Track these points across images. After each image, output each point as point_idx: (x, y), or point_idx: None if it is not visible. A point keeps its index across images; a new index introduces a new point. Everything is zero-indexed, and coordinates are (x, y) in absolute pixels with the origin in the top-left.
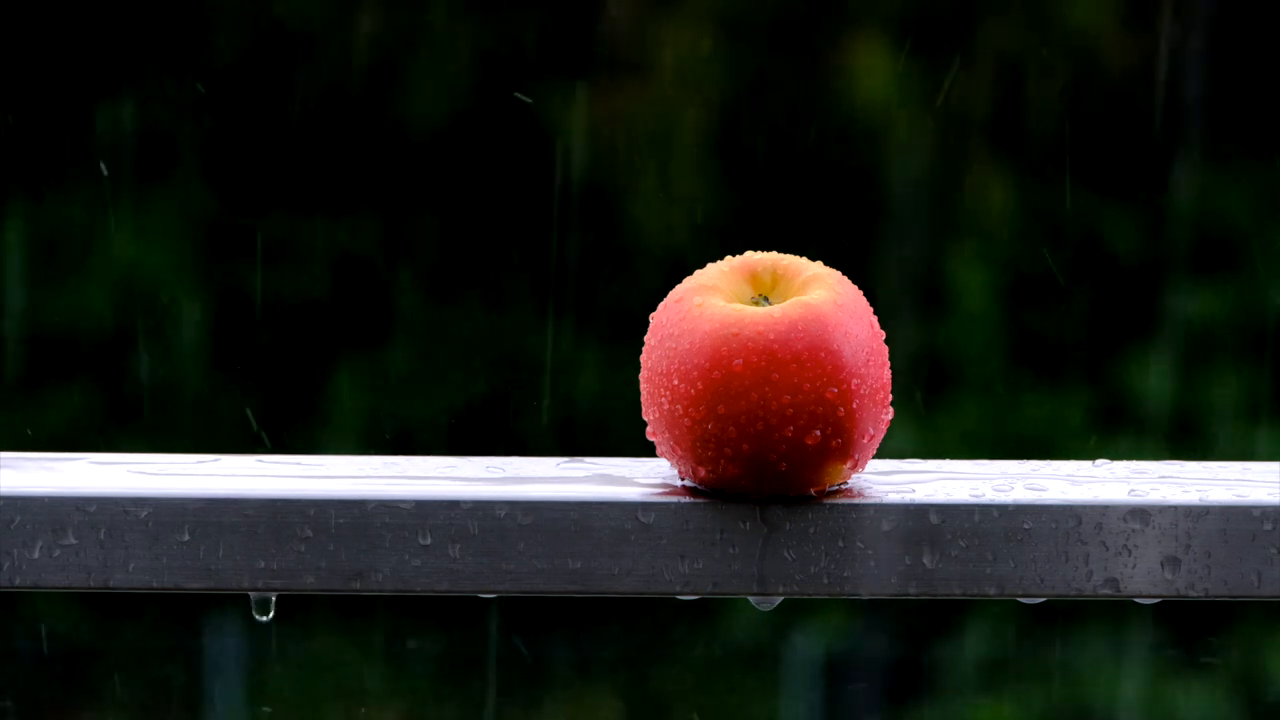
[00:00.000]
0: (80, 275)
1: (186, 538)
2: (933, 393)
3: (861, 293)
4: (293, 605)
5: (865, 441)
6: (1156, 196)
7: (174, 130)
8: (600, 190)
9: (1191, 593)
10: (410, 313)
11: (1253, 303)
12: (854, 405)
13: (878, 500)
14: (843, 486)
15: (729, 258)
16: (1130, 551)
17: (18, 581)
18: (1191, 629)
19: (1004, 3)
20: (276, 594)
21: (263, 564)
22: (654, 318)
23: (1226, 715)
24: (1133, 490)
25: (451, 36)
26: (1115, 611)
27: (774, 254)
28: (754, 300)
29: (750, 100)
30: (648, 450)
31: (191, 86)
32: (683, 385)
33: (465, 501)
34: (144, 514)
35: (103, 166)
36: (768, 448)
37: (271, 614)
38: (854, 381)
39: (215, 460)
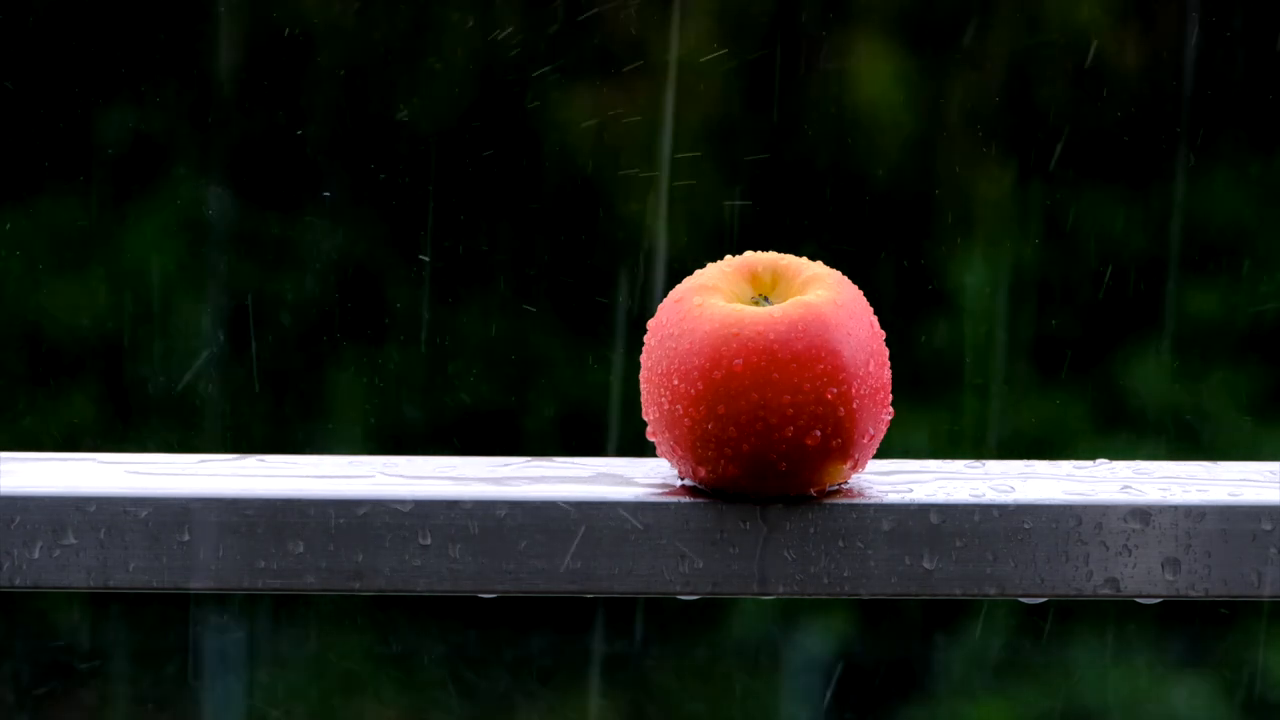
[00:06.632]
0: (81, 275)
1: (186, 538)
2: (933, 393)
3: (861, 293)
4: (293, 605)
5: (865, 441)
6: (1158, 194)
7: (175, 130)
8: (600, 190)
9: (1191, 593)
10: (410, 312)
11: (1254, 301)
12: (854, 405)
13: (878, 500)
14: (843, 486)
15: (729, 258)
16: (1130, 551)
17: (18, 581)
18: (1191, 629)
19: (1004, 1)
20: (276, 594)
21: (263, 564)
22: (654, 318)
23: (1226, 715)
24: (1133, 490)
25: (451, 36)
26: (1115, 611)
27: (774, 254)
28: (754, 300)
29: (750, 100)
30: (648, 450)
31: (193, 86)
32: (683, 385)
33: (465, 501)
34: (144, 514)
35: (103, 166)
36: (768, 448)
37: None
38: (854, 382)
39: (215, 460)
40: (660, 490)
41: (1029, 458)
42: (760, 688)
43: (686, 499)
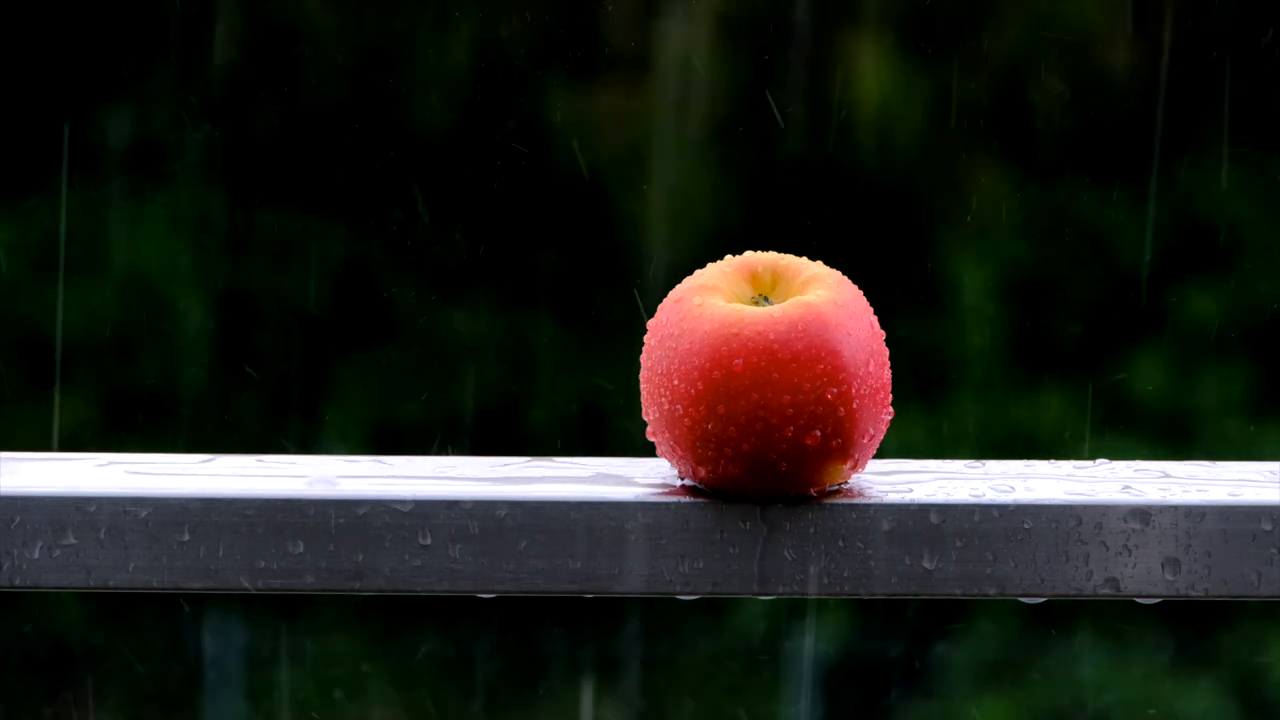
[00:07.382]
0: (82, 276)
1: (186, 538)
2: (933, 393)
3: (861, 293)
4: (294, 604)
5: (865, 441)
6: (1157, 194)
7: (175, 130)
8: (600, 190)
9: (1191, 593)
10: (411, 313)
11: (1253, 301)
12: (854, 405)
13: (878, 500)
14: (843, 486)
15: (729, 258)
16: (1130, 551)
17: (18, 581)
18: (1191, 629)
19: (1004, 1)
20: (276, 594)
21: (263, 564)
22: (654, 318)
23: (1226, 715)
24: (1133, 490)
25: (451, 36)
26: (1115, 611)
27: (774, 254)
28: (754, 300)
29: (750, 100)
30: (648, 450)
31: (193, 86)
32: (683, 385)
33: (465, 501)
34: (144, 514)
35: (103, 166)
36: (768, 448)
37: None
38: (854, 381)
39: (215, 460)
40: (660, 490)
41: (1028, 458)
42: (760, 688)
43: (686, 499)
